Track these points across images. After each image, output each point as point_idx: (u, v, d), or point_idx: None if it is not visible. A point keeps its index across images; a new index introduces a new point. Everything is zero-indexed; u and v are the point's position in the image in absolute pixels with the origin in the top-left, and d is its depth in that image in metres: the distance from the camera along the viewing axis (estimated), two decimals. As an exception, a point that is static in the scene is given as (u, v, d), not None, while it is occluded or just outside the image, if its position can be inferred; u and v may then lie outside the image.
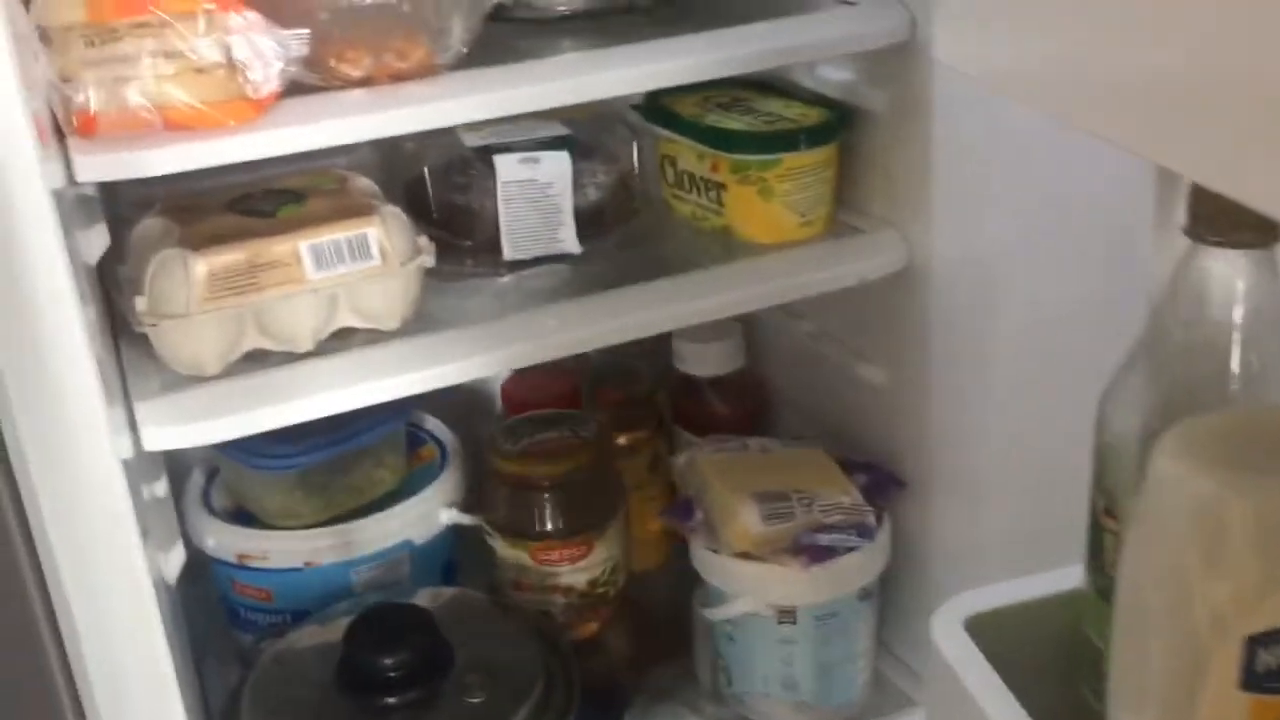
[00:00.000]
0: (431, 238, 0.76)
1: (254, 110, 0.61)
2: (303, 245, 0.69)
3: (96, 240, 0.64)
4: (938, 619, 0.59)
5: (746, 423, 1.02)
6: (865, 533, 0.83)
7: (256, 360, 0.71)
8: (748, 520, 0.82)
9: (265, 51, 0.60)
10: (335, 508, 0.91)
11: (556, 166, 0.78)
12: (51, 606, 0.60)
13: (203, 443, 0.67)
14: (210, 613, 0.94)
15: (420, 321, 0.75)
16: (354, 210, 0.72)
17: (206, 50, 0.60)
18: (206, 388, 0.69)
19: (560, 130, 0.81)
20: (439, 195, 0.81)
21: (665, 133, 0.85)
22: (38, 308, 0.56)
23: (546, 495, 0.92)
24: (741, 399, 1.01)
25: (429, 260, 0.74)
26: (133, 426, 0.66)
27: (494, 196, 0.78)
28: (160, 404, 0.67)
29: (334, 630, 0.83)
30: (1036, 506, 0.79)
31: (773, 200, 0.81)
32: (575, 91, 0.68)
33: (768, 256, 0.80)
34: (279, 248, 0.69)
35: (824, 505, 0.83)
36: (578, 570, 0.94)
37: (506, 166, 0.78)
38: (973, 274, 0.79)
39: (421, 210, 0.80)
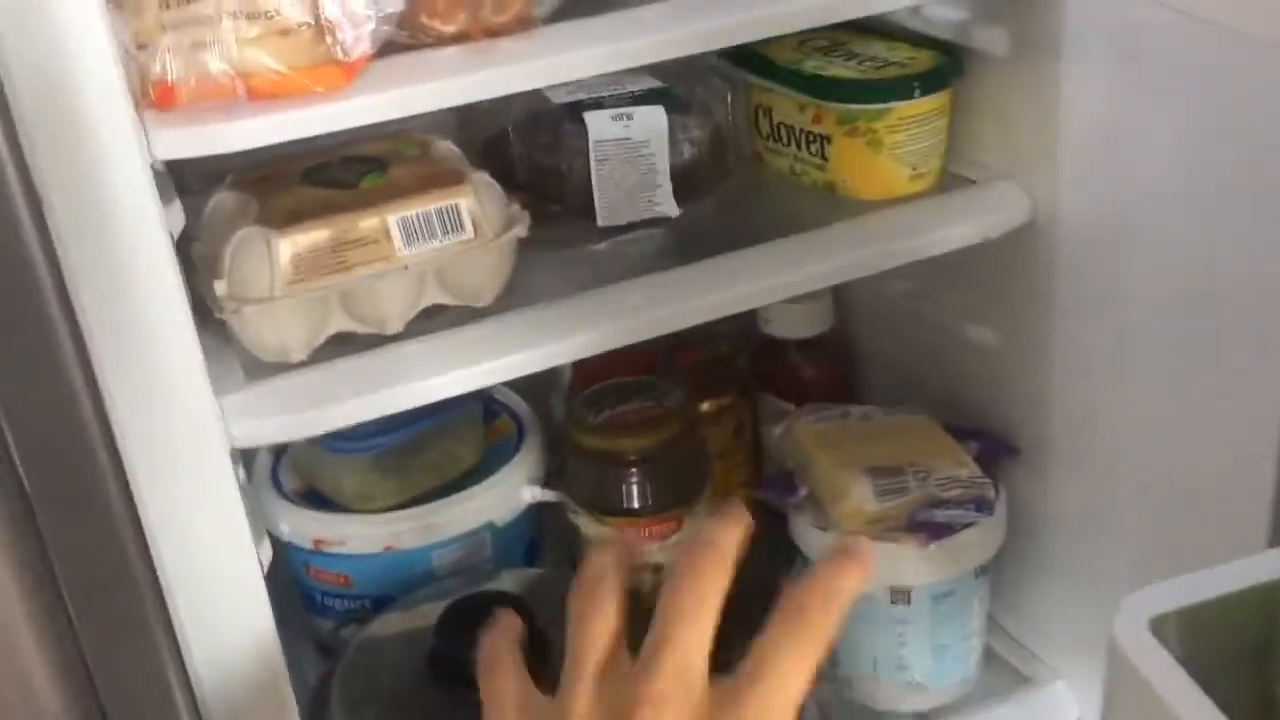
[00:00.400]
0: (518, 203, 0.71)
1: (345, 75, 0.55)
2: (392, 219, 0.64)
3: (175, 219, 0.58)
4: (1120, 622, 0.53)
5: (837, 387, 0.96)
6: (984, 507, 0.78)
7: (343, 343, 0.66)
8: (860, 497, 0.77)
9: (356, 9, 0.54)
10: (413, 488, 0.86)
11: (652, 123, 0.72)
12: (168, 616, 0.56)
13: (295, 437, 0.62)
14: (281, 596, 0.90)
15: (512, 296, 0.69)
16: (442, 179, 0.66)
17: (292, 9, 0.54)
18: (293, 377, 0.64)
19: (652, 83, 0.75)
20: (523, 156, 0.75)
21: (762, 82, 0.79)
22: (143, 295, 0.51)
23: (633, 470, 0.87)
24: (831, 362, 0.96)
25: (523, 230, 0.68)
26: (220, 420, 0.61)
27: (585, 157, 0.73)
28: (247, 396, 0.62)
29: (419, 617, 0.79)
30: (1172, 479, 0.74)
31: (882, 153, 0.75)
32: (696, 40, 0.62)
33: (878, 214, 0.75)
34: (366, 223, 0.64)
35: (940, 479, 0.78)
36: (667, 547, 0.89)
37: (599, 124, 0.72)
38: (1104, 229, 0.73)
39: (504, 172, 0.74)
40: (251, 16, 0.53)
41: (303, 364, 0.65)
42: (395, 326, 0.66)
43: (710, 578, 0.47)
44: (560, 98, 0.73)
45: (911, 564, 0.78)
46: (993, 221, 0.74)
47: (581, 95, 0.73)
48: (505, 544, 0.88)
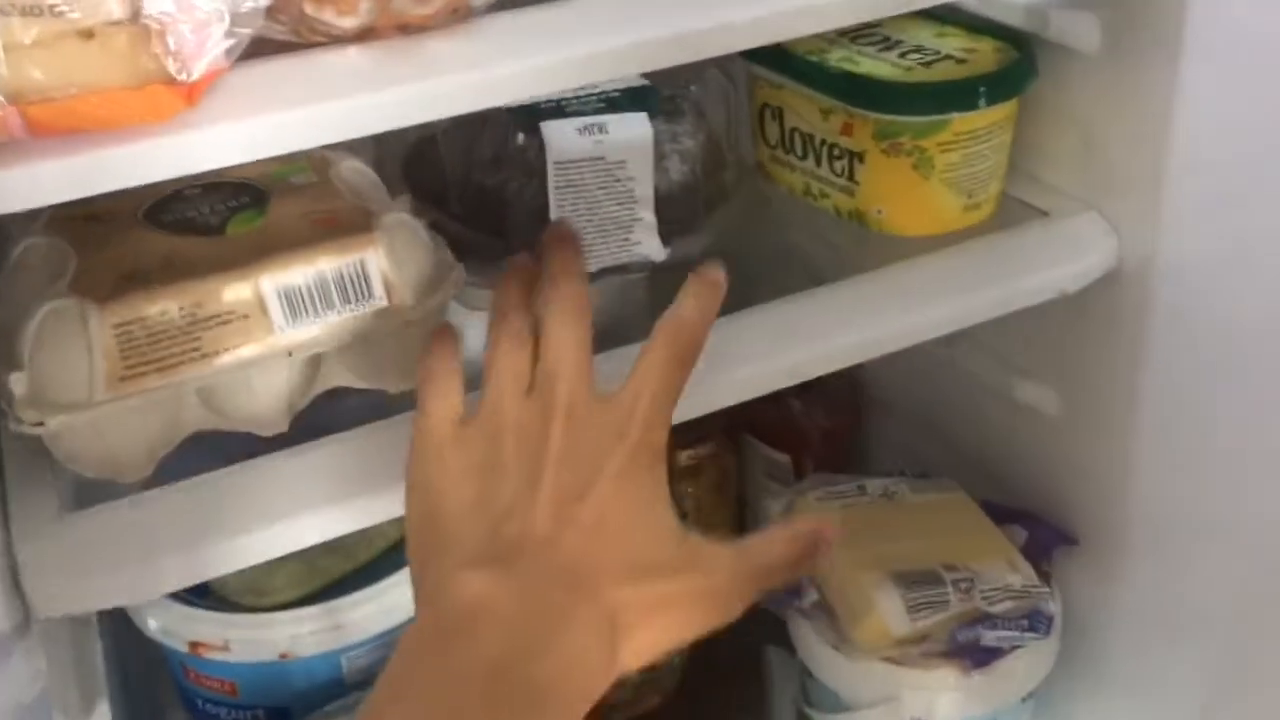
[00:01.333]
0: (449, 236, 0.52)
1: (182, 98, 0.36)
2: (269, 287, 0.45)
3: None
4: None
5: (842, 438, 0.79)
6: (1041, 624, 0.62)
7: (206, 444, 0.48)
8: (889, 615, 0.61)
9: (198, 2, 0.35)
10: (319, 577, 0.68)
11: (631, 136, 0.54)
12: None
13: (129, 603, 0.44)
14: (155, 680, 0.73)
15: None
16: (344, 223, 0.48)
17: (96, 2, 0.35)
18: (129, 506, 0.45)
19: (631, 79, 0.56)
20: (457, 174, 0.56)
21: (772, 75, 0.60)
22: None
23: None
24: (835, 408, 0.78)
25: (455, 289, 0.50)
26: (15, 580, 0.43)
27: (541, 179, 0.54)
28: (58, 542, 0.43)
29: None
30: (1273, 586, 0.59)
31: (932, 177, 0.57)
32: (701, 41, 0.43)
33: (926, 259, 0.57)
34: (233, 290, 0.45)
35: (987, 589, 0.62)
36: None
37: (561, 138, 0.53)
38: (1216, 275, 0.56)
39: (431, 192, 0.56)
40: (28, 12, 0.34)
41: (148, 482, 0.46)
42: (276, 427, 0.48)
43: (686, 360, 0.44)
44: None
45: (951, 694, 0.62)
46: (1072, 271, 0.57)
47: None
48: (434, 640, 0.71)
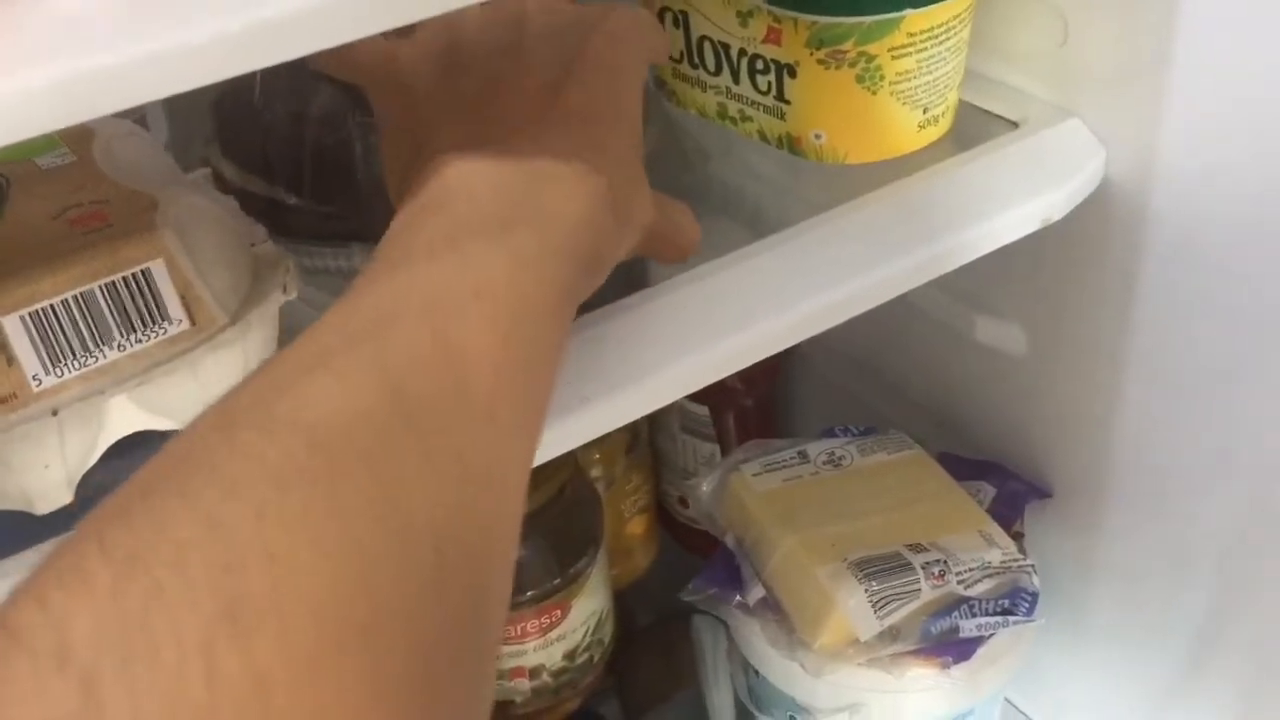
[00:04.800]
0: (269, 209, 0.40)
1: None
2: (11, 322, 0.32)
3: None
4: None
5: (764, 379, 0.69)
6: (1024, 604, 0.53)
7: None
8: (854, 615, 0.51)
9: None
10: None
11: None
12: None
13: None
14: None
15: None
16: (116, 218, 0.34)
17: None
18: None
19: None
20: (283, 131, 0.43)
21: (673, -30, 0.48)
22: None
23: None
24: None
25: (290, 292, 0.37)
26: None
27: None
28: None
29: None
30: (1252, 521, 0.51)
31: (881, 90, 0.46)
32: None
33: (884, 194, 0.45)
34: (-43, 335, 0.32)
35: (963, 570, 0.53)
36: (550, 644, 0.62)
37: None
38: (1226, 191, 0.46)
39: (251, 157, 0.43)
40: None
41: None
42: (56, 500, 0.35)
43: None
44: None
45: (926, 695, 0.53)
46: (1061, 196, 0.46)
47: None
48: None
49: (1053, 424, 0.57)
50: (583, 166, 0.33)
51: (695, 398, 0.69)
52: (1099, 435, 0.55)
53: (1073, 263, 0.52)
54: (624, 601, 0.71)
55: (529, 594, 0.60)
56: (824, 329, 0.42)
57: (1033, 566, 0.53)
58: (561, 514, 0.61)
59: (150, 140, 0.38)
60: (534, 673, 0.63)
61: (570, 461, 0.61)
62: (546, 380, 0.31)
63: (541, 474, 0.58)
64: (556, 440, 0.37)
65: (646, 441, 0.71)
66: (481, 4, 0.35)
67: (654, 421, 0.72)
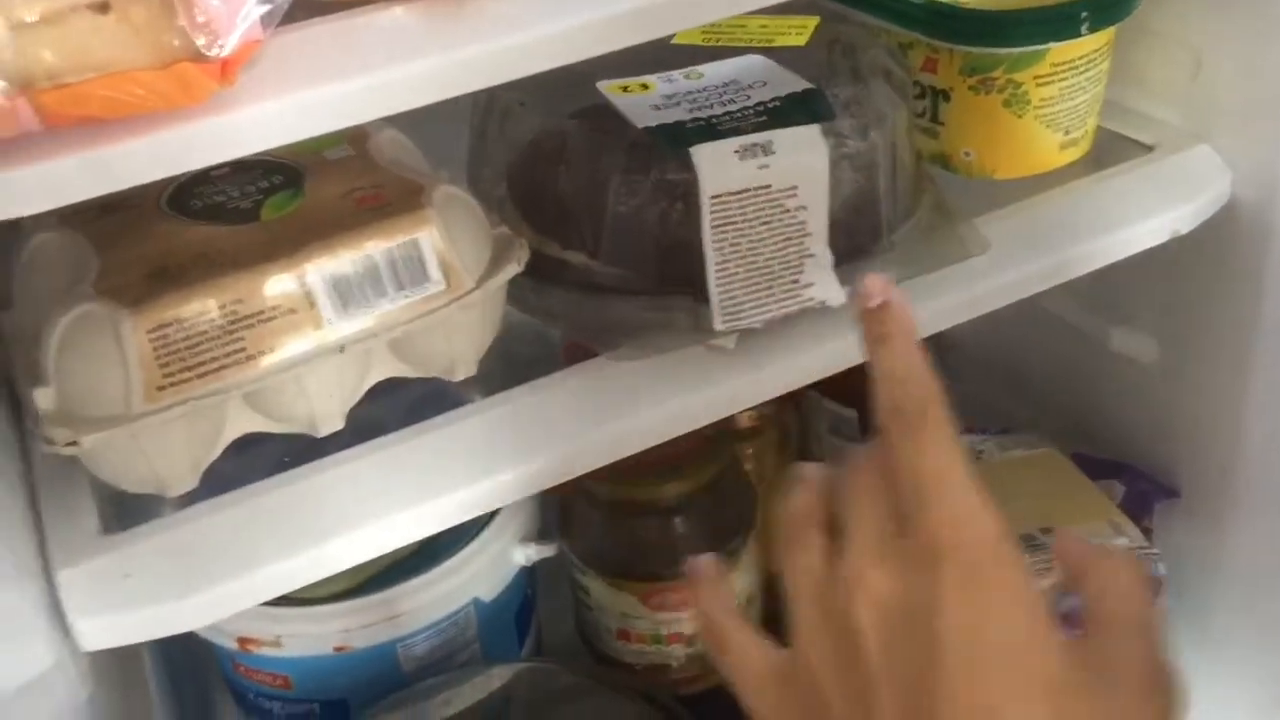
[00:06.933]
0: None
1: (216, 76, 0.31)
2: (316, 277, 0.40)
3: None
4: None
5: (914, 388, 0.75)
6: (1151, 589, 0.58)
7: (255, 447, 0.44)
8: (987, 588, 0.56)
9: (227, -37, 0.30)
10: (370, 565, 0.64)
11: (803, 154, 0.45)
12: None
13: (182, 630, 0.40)
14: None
15: (504, 357, 0.47)
16: (391, 200, 0.43)
17: (108, -31, 0.30)
18: (177, 523, 0.41)
19: (790, 80, 0.47)
20: (583, 199, 0.47)
21: (846, 10, 0.55)
22: None
23: (662, 522, 0.66)
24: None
25: (517, 266, 0.45)
26: (57, 611, 0.39)
27: (686, 203, 0.45)
28: (101, 567, 0.39)
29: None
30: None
31: (1027, 114, 0.52)
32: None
33: (1026, 205, 0.51)
34: (277, 285, 0.40)
35: (1090, 554, 0.57)
36: (706, 615, 0.68)
37: (716, 165, 0.44)
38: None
39: (540, 214, 0.49)
40: (32, -15, 0.29)
41: (192, 496, 0.42)
42: (331, 425, 0.43)
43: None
44: (644, 116, 0.45)
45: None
46: (1185, 212, 0.52)
47: (679, 103, 0.46)
48: (494, 625, 0.67)
49: (1181, 428, 0.61)
50: None
51: (843, 400, 0.75)
52: (1227, 439, 0.59)
53: (1202, 277, 0.56)
54: (773, 589, 0.77)
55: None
56: (964, 320, 0.48)
57: (1158, 554, 0.58)
58: (717, 498, 0.67)
59: (410, 144, 0.47)
60: (689, 640, 0.69)
61: (726, 452, 0.68)
62: None
63: (698, 462, 0.65)
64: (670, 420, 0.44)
65: (798, 443, 0.77)
66: None
67: (804, 427, 0.78)
